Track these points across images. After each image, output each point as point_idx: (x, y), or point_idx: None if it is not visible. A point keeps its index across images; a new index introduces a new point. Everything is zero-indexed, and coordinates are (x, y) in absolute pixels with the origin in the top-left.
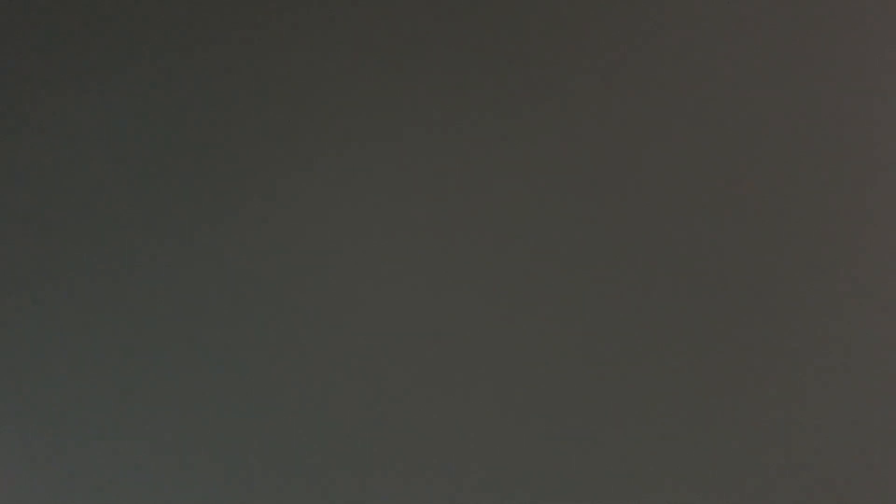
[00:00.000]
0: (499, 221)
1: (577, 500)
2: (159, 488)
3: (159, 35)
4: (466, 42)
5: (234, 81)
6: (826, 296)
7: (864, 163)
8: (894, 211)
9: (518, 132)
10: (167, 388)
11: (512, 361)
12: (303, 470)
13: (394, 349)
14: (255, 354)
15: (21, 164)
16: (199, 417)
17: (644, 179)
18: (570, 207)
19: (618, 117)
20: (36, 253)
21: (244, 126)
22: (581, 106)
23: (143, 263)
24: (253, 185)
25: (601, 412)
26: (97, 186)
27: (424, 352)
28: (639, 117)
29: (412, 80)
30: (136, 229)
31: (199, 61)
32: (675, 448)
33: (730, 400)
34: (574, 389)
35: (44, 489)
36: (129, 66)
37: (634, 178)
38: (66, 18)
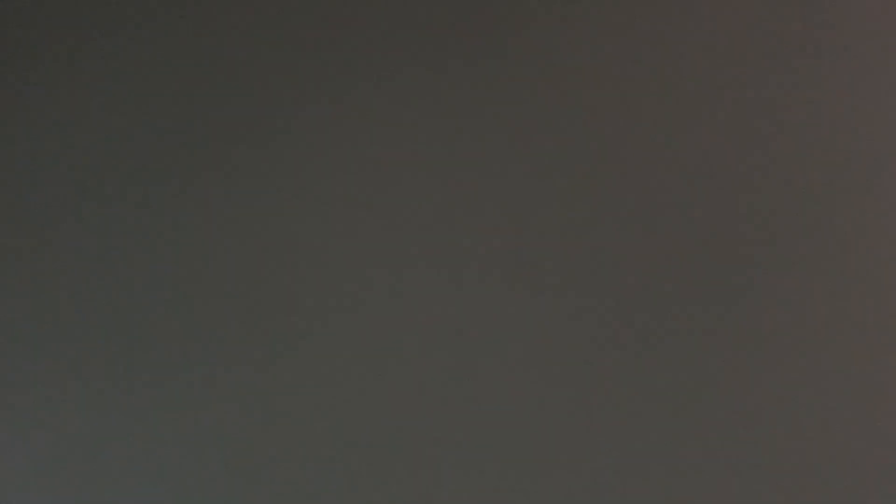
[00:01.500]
0: (500, 218)
1: (580, 499)
2: (157, 489)
3: (154, 32)
4: (466, 39)
5: (231, 80)
6: (825, 296)
7: (864, 163)
8: (894, 211)
9: (519, 127)
10: (164, 388)
11: (510, 359)
12: (303, 470)
13: (393, 347)
14: (254, 354)
15: (16, 163)
16: (197, 417)
17: (646, 177)
18: (570, 207)
19: (620, 115)
20: (34, 252)
21: (241, 124)
22: (583, 105)
23: (140, 263)
24: (252, 183)
25: (602, 412)
26: (93, 186)
27: (423, 350)
28: (641, 116)
29: (411, 76)
30: (134, 229)
31: (194, 59)
32: (676, 447)
33: (731, 399)
34: (575, 389)
35: (44, 490)
36: (123, 65)
37: (636, 175)
38: (59, 17)
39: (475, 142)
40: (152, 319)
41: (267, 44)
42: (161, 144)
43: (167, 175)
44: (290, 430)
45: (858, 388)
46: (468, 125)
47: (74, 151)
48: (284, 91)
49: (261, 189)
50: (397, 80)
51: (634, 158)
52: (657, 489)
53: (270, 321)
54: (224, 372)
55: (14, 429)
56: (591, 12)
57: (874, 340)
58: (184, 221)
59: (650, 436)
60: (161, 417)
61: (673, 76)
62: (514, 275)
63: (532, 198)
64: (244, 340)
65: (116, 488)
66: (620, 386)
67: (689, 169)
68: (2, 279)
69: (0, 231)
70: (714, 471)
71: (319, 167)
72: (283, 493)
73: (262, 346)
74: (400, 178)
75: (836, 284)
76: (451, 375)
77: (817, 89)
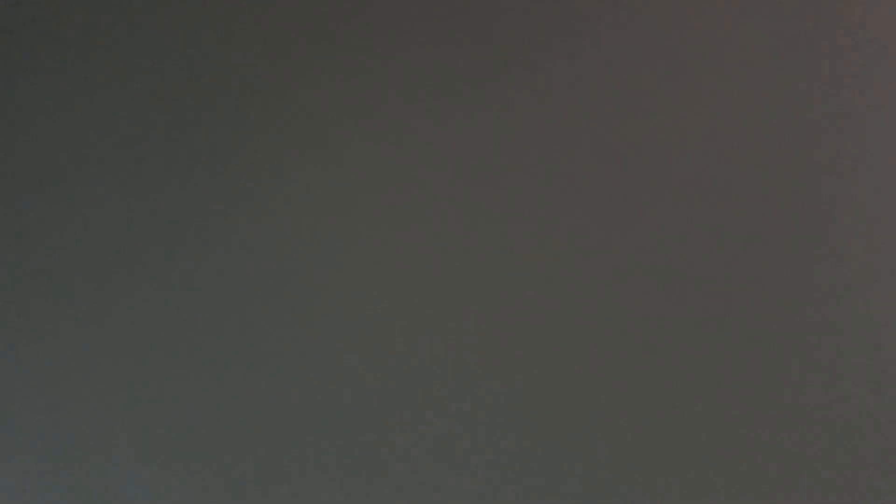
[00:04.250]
0: (500, 222)
1: (580, 501)
2: (155, 491)
3: (156, 35)
4: (464, 41)
5: (233, 83)
6: (825, 296)
7: (864, 163)
8: (894, 211)
9: (518, 131)
10: (164, 389)
11: (508, 361)
12: (303, 473)
13: (392, 350)
14: (254, 356)
15: (17, 165)
16: (195, 420)
17: (646, 180)
18: (569, 209)
19: (621, 118)
20: (34, 253)
21: (243, 127)
22: (582, 106)
23: (140, 264)
24: (254, 186)
25: (601, 414)
26: (93, 189)
27: (421, 353)
28: (641, 117)
29: (409, 80)
30: (135, 231)
31: (195, 62)
32: (676, 448)
33: (731, 401)
34: (574, 391)
35: (43, 490)
36: (125, 68)
37: (636, 178)
38: (60, 19)
39: (476, 144)
40: (152, 319)
41: (273, 48)
42: (163, 146)
43: (169, 177)
44: (289, 430)
45: (858, 389)
46: (471, 128)
47: (77, 151)
48: (289, 95)
49: (261, 190)
50: (400, 85)
51: (636, 161)
52: (658, 489)
53: (271, 322)
54: (225, 372)
55: (13, 429)
56: (592, 16)
57: (875, 341)
58: (185, 222)
59: (649, 437)
60: (159, 417)
61: (678, 80)
62: (515, 276)
63: (533, 200)
64: (245, 341)
65: (116, 487)
66: (620, 386)
67: (691, 171)
68: (3, 279)
69: (1, 229)
70: (715, 471)
71: (321, 168)
72: (283, 493)
73: (263, 346)
74: (403, 180)
75: (837, 285)
76: (450, 376)
77: (822, 90)
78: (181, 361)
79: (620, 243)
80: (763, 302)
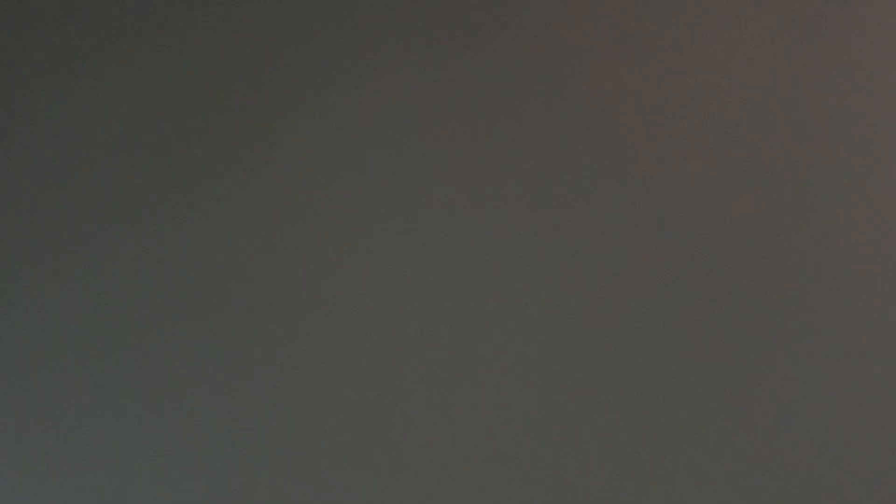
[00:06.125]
0: (498, 222)
1: (580, 501)
2: (155, 491)
3: (154, 34)
4: (467, 42)
5: (229, 81)
6: (825, 296)
7: (864, 162)
8: (894, 211)
9: (518, 130)
10: (163, 389)
11: (508, 362)
12: (299, 472)
13: (389, 350)
14: (252, 356)
15: (17, 164)
16: (194, 419)
17: (645, 179)
18: (569, 209)
19: (620, 118)
20: (34, 253)
21: (240, 127)
22: (583, 106)
23: (138, 264)
24: (252, 187)
25: (601, 414)
26: (92, 188)
27: (419, 353)
28: (640, 117)
29: (409, 80)
30: (134, 231)
31: (194, 61)
32: (676, 448)
33: (730, 401)
34: (574, 391)
35: (43, 490)
36: (124, 66)
37: (636, 178)
38: (62, 18)
39: (475, 144)
40: (154, 321)
41: (267, 50)
42: (162, 150)
43: (170, 182)
44: (290, 431)
45: (860, 390)
46: (469, 127)
47: (76, 155)
48: (286, 97)
49: (258, 189)
50: (395, 83)
51: (637, 161)
52: (658, 488)
53: (272, 321)
54: (226, 375)
55: (13, 429)
56: (594, 14)
57: (877, 342)
58: (186, 225)
59: (650, 436)
60: (157, 417)
61: (683, 76)
62: (513, 275)
63: (533, 200)
64: (245, 342)
65: (113, 489)
66: (622, 386)
67: (694, 169)
68: (5, 281)
69: (3, 231)
70: (716, 471)
71: (320, 167)
72: (282, 494)
73: (264, 346)
74: (401, 175)
75: (840, 286)
76: (452, 376)
77: (829, 91)
78: (180, 362)
79: (621, 244)
80: (762, 302)
